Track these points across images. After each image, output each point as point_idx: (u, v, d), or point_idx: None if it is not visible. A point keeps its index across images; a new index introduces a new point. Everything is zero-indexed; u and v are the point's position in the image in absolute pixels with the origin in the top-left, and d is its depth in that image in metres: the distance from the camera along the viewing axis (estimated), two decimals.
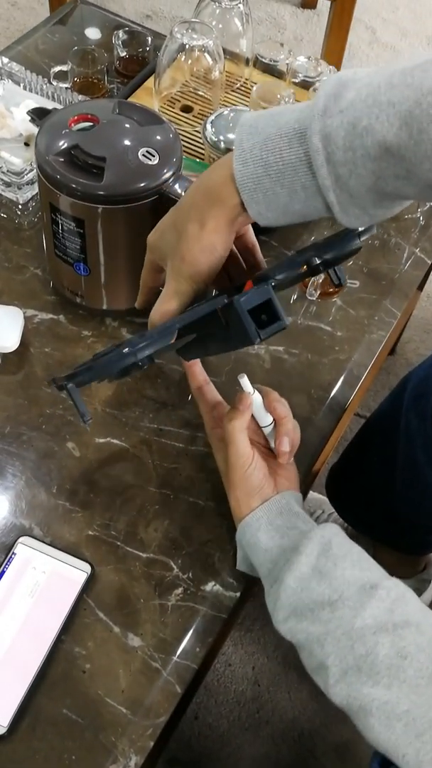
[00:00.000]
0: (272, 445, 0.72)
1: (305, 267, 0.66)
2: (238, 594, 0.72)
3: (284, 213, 0.58)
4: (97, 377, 0.65)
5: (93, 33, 1.21)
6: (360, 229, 0.64)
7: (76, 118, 0.78)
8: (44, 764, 0.62)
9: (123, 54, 1.14)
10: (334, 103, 0.52)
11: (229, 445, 0.68)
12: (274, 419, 0.71)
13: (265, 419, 0.71)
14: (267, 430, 0.71)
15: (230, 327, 0.62)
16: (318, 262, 0.65)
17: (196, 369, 0.76)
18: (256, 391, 0.70)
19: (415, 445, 0.89)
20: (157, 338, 0.63)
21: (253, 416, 0.70)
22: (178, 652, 0.68)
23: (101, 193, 0.74)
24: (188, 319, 0.63)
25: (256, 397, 0.70)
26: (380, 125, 0.50)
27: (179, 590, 0.71)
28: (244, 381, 0.69)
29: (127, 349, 0.62)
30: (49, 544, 0.72)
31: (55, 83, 1.08)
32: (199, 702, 1.15)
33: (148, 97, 1.06)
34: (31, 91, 1.07)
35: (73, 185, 0.74)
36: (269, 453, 0.72)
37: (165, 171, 0.76)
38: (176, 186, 0.76)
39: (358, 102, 0.51)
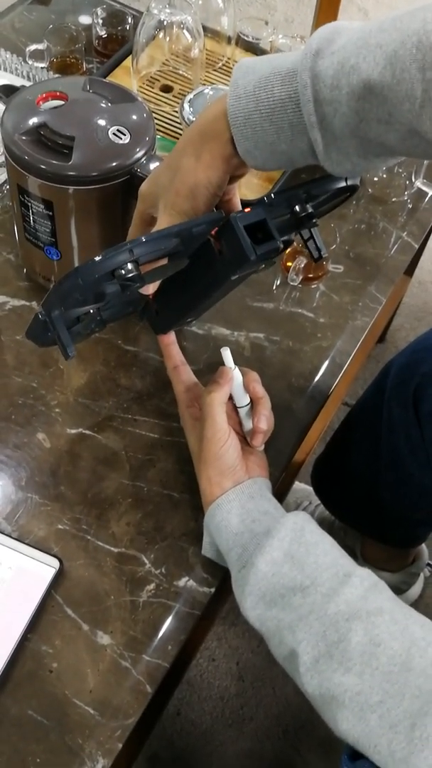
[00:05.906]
0: (246, 428, 0.70)
1: (295, 205, 0.65)
2: (212, 590, 0.70)
3: (271, 153, 0.58)
4: (86, 280, 0.56)
5: (85, 20, 1.17)
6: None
7: (44, 95, 0.75)
8: (7, 767, 0.60)
9: (102, 33, 1.11)
10: (327, 46, 0.54)
11: (205, 419, 0.67)
12: (251, 400, 0.69)
13: (243, 399, 0.69)
14: (243, 411, 0.70)
15: (224, 251, 0.61)
16: (309, 197, 0.65)
17: (173, 349, 0.75)
18: (237, 368, 0.68)
19: (398, 435, 0.87)
20: (155, 237, 0.59)
21: (230, 396, 0.68)
22: (149, 651, 0.66)
23: (70, 173, 0.71)
24: (186, 225, 0.60)
25: (237, 374, 0.69)
26: (366, 65, 0.51)
27: (151, 586, 0.69)
28: (227, 354, 0.68)
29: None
30: (16, 539, 0.70)
31: (30, 62, 1.05)
32: (181, 698, 1.13)
33: (126, 76, 1.03)
34: (6, 70, 1.04)
35: (41, 165, 0.71)
36: (242, 438, 0.70)
37: (137, 150, 0.73)
38: (149, 166, 0.73)
39: (349, 45, 0.53)
